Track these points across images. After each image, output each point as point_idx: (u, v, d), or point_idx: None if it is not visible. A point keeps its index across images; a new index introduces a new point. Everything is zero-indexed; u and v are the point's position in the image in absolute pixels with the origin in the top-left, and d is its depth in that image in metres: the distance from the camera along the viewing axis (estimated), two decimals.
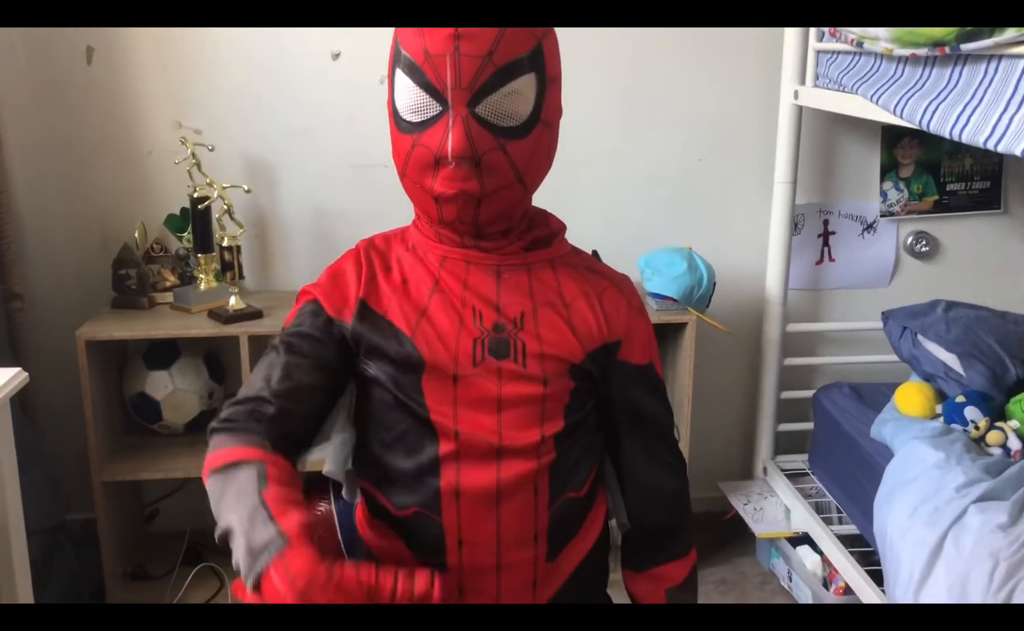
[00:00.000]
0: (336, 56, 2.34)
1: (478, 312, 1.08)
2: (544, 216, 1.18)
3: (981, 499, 1.77)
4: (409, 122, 1.04)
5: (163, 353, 2.29)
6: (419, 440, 1.08)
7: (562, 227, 1.18)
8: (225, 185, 2.23)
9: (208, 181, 2.23)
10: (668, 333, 2.38)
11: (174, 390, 2.27)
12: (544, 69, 1.05)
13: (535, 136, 1.06)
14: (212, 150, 2.27)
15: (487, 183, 1.03)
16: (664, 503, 1.20)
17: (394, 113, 1.06)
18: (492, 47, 1.00)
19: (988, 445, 1.98)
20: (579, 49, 2.39)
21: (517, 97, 1.03)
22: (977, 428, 1.99)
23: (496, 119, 1.02)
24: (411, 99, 1.03)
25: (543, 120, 1.07)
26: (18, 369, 1.58)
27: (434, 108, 1.02)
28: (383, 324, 1.09)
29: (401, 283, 1.11)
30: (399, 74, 1.04)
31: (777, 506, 2.48)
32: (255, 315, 2.21)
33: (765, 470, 2.64)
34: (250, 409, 1.03)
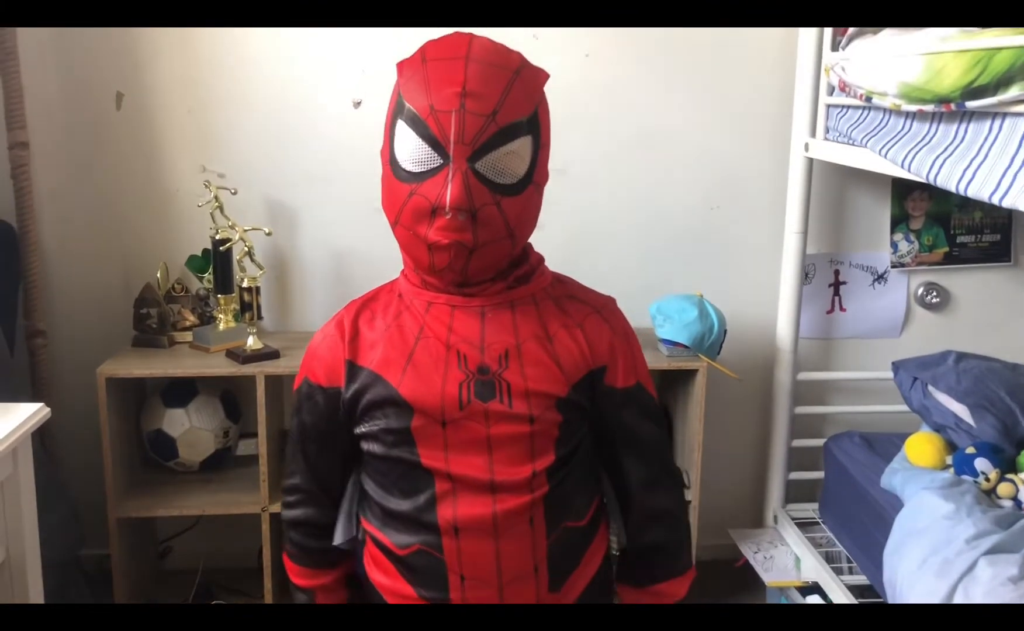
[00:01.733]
0: (358, 104, 2.40)
1: (463, 355, 1.11)
2: (523, 250, 1.20)
3: (991, 551, 1.77)
4: (408, 172, 1.07)
5: (181, 391, 2.32)
6: (414, 483, 1.12)
7: (540, 258, 1.21)
8: (247, 228, 2.28)
9: (230, 223, 2.28)
10: (679, 380, 2.39)
11: (190, 428, 2.31)
12: (539, 133, 1.10)
13: (527, 195, 1.10)
14: (235, 193, 2.33)
15: (480, 235, 1.06)
16: (661, 522, 1.23)
17: (392, 162, 1.09)
18: (496, 107, 1.03)
19: (999, 497, 1.98)
20: (594, 97, 2.45)
21: (514, 157, 1.07)
22: (987, 480, 1.99)
23: (494, 176, 1.06)
24: (413, 150, 1.06)
25: (534, 181, 1.11)
26: (40, 404, 1.61)
27: (435, 160, 1.05)
28: (371, 378, 1.13)
29: (386, 331, 1.14)
30: (401, 125, 1.07)
31: (787, 555, 2.48)
32: (272, 355, 2.24)
33: (775, 518, 2.63)
34: (309, 526, 1.24)
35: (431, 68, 1.05)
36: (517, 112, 1.06)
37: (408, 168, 1.07)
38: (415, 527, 1.12)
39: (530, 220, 1.14)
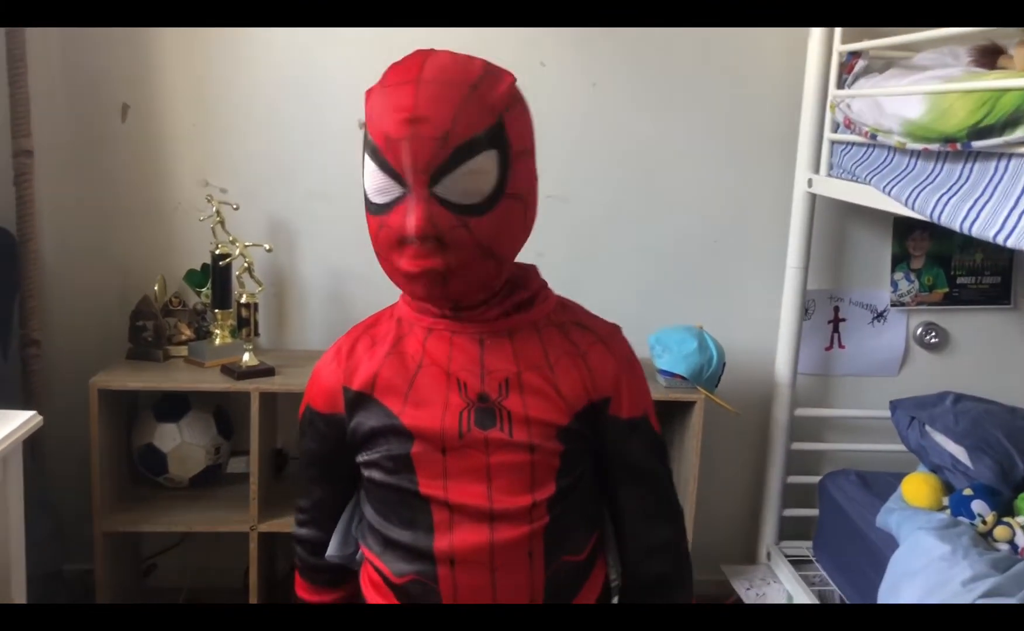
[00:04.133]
0: (363, 124, 2.40)
1: (463, 383, 1.09)
2: (525, 276, 1.17)
3: (987, 595, 1.75)
4: (375, 204, 1.05)
5: (173, 406, 2.30)
6: (412, 512, 1.11)
7: (543, 284, 1.18)
8: (247, 243, 2.28)
9: (231, 239, 2.27)
10: (676, 411, 2.38)
11: (182, 443, 2.28)
12: (508, 144, 1.04)
13: (501, 210, 1.04)
14: (237, 209, 2.32)
15: (450, 259, 1.03)
16: (662, 554, 1.20)
17: (364, 195, 1.08)
18: (449, 128, 1.00)
19: (995, 540, 1.96)
20: (599, 126, 2.45)
21: (477, 175, 1.02)
22: (984, 522, 1.98)
23: (456, 197, 1.02)
24: (376, 182, 1.04)
25: (508, 193, 1.05)
26: (32, 413, 1.60)
27: (396, 190, 1.02)
28: (372, 405, 1.12)
29: (386, 358, 1.13)
30: (366, 158, 1.05)
31: (780, 593, 2.45)
32: (267, 372, 2.23)
33: (769, 555, 2.61)
34: (313, 545, 1.26)
35: (385, 95, 1.03)
36: (472, 129, 1.01)
37: (374, 200, 1.05)
38: (412, 556, 1.11)
39: (511, 236, 1.09)
